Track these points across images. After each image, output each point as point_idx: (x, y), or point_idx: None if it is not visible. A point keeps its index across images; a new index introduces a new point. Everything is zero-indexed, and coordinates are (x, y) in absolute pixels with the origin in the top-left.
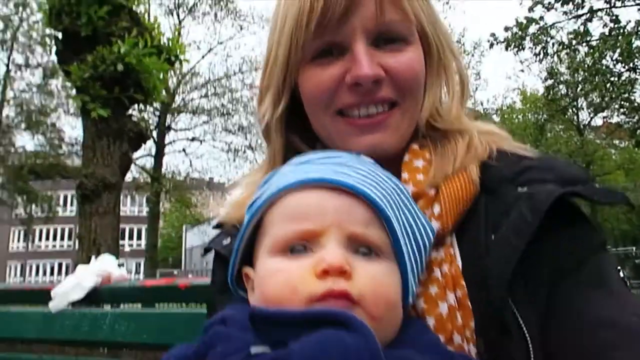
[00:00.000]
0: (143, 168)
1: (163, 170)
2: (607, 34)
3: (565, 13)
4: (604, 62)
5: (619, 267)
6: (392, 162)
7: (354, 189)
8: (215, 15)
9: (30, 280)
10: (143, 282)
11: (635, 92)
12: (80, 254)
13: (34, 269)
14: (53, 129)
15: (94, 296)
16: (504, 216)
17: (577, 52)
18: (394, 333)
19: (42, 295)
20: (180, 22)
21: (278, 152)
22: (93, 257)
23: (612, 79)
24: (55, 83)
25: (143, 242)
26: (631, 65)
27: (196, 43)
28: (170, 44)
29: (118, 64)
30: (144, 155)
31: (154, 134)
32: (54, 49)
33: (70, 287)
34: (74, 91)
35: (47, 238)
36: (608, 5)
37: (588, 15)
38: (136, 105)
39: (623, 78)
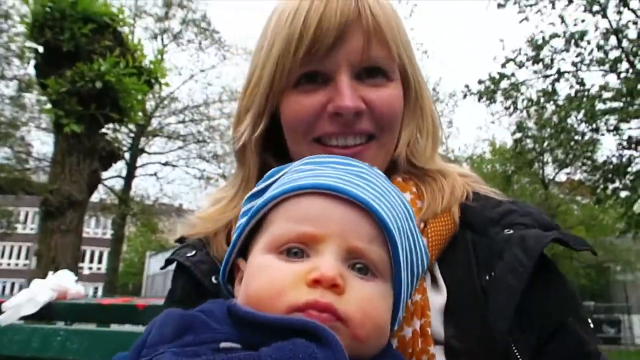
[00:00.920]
0: (111, 189)
1: (132, 192)
2: (573, 95)
3: (535, 72)
4: (569, 120)
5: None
6: None
7: (365, 203)
8: (200, 43)
9: None
10: (100, 300)
11: (596, 152)
12: (37, 271)
13: None
14: (22, 143)
15: (48, 312)
16: (496, 258)
17: (544, 109)
18: (373, 355)
19: None
20: (164, 47)
21: (253, 172)
22: (50, 273)
23: (576, 137)
24: (29, 97)
25: (103, 265)
26: (594, 126)
27: (178, 69)
28: (152, 66)
29: (97, 81)
30: (113, 176)
31: (127, 155)
32: (32, 62)
33: (23, 301)
34: (48, 105)
35: (3, 256)
36: (575, 69)
37: (556, 75)
38: (111, 124)
39: (586, 137)
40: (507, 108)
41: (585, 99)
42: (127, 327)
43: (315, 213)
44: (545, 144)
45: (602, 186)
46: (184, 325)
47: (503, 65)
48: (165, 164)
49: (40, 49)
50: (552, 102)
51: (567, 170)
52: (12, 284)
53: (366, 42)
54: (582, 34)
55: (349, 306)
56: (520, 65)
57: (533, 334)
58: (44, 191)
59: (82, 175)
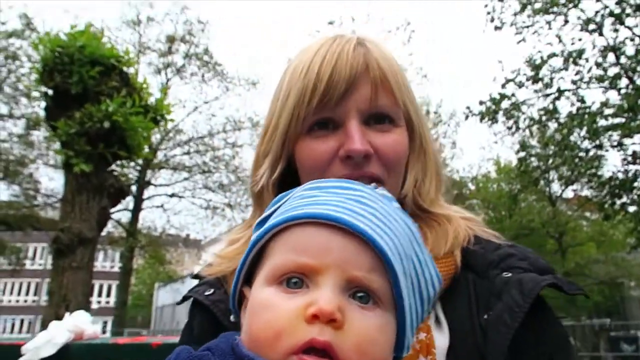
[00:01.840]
0: (119, 222)
1: (139, 225)
2: (574, 112)
3: (535, 91)
4: (572, 138)
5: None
6: None
7: (363, 233)
8: (203, 76)
9: None
10: (115, 339)
11: (602, 168)
12: (49, 309)
13: None
14: (30, 180)
15: (65, 353)
16: (495, 298)
17: (547, 128)
18: None
19: (13, 351)
20: (167, 81)
21: None
22: (67, 314)
23: (580, 154)
24: (37, 134)
25: (112, 299)
26: (597, 142)
27: (182, 101)
28: (157, 104)
29: (105, 121)
30: (120, 210)
31: (133, 188)
32: (42, 103)
33: (42, 343)
34: (57, 145)
35: (12, 292)
36: (575, 87)
37: (557, 94)
38: (118, 161)
39: (590, 154)
40: (509, 128)
41: (586, 116)
42: None
43: (313, 244)
44: (550, 161)
45: (609, 202)
46: None
47: (503, 86)
48: (172, 195)
49: (50, 92)
50: (553, 120)
51: (574, 187)
52: (22, 321)
53: (374, 91)
54: (580, 53)
55: (347, 342)
56: (520, 85)
57: None
58: (53, 227)
59: (92, 213)
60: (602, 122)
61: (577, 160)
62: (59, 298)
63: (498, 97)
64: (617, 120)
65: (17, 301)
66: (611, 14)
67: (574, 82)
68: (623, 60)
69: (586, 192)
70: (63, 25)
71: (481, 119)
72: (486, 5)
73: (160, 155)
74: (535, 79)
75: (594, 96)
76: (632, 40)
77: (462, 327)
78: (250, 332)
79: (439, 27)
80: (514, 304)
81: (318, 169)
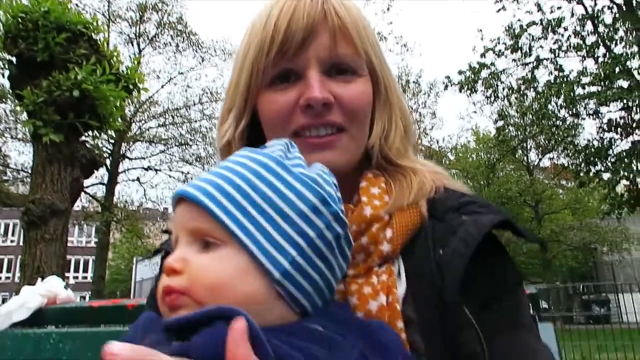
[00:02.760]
0: (93, 196)
1: (115, 199)
2: (552, 81)
3: (514, 60)
4: (549, 107)
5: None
6: (343, 182)
7: (185, 195)
8: (177, 46)
9: None
10: (91, 302)
11: (578, 136)
12: (22, 282)
13: None
14: None
15: (39, 317)
16: (450, 235)
17: (525, 97)
18: (252, 307)
19: None
20: (140, 52)
21: None
22: (39, 279)
23: (557, 123)
24: (3, 107)
25: (89, 274)
26: (574, 111)
27: (156, 72)
28: (129, 72)
29: (74, 90)
30: (95, 184)
31: (107, 161)
32: (6, 73)
33: (14, 307)
34: (24, 116)
35: None
36: (553, 55)
37: (535, 63)
38: (90, 132)
39: (567, 122)
40: (488, 97)
41: (564, 85)
42: (119, 328)
43: (174, 216)
44: (527, 131)
45: (584, 169)
46: (147, 328)
47: (482, 55)
48: (148, 168)
49: (14, 60)
50: (532, 89)
51: (550, 155)
52: None
53: (332, 39)
54: (559, 21)
55: (184, 280)
56: (499, 54)
57: (477, 299)
58: (24, 202)
59: (64, 184)
60: (579, 91)
61: (554, 129)
62: (32, 270)
63: (477, 66)
64: (594, 88)
65: None
66: None
67: (552, 51)
68: (601, 28)
69: (562, 161)
70: None
71: (460, 89)
72: None
73: (135, 127)
74: (515, 48)
75: (572, 65)
76: (610, 8)
77: (419, 268)
78: None
79: None
80: (469, 236)
81: (280, 121)
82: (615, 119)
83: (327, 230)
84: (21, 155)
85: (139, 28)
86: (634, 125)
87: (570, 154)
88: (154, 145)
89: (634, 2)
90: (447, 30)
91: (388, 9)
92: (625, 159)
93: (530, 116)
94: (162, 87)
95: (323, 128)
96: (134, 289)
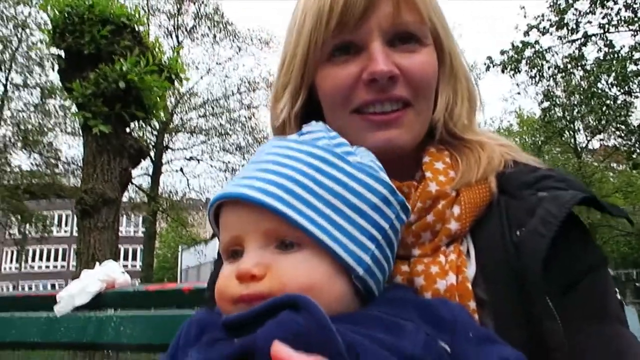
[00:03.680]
0: (140, 187)
1: (160, 189)
2: (601, 58)
3: (560, 37)
4: (599, 85)
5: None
6: (404, 160)
7: (247, 198)
8: (214, 36)
9: None
10: (147, 286)
11: (630, 116)
12: (78, 269)
13: (26, 290)
14: (49, 148)
15: (99, 301)
16: (528, 215)
17: (572, 76)
18: (339, 307)
19: (47, 301)
20: (179, 43)
21: None
22: (97, 264)
23: (607, 102)
24: (53, 103)
25: (138, 262)
26: (626, 88)
27: (194, 64)
28: (171, 63)
29: (120, 81)
30: (141, 175)
31: (152, 153)
32: (55, 67)
33: (75, 292)
34: (73, 109)
35: (41, 259)
36: (602, 31)
37: (582, 40)
38: (136, 123)
39: (619, 101)
40: (532, 77)
41: (615, 62)
42: (176, 311)
43: (230, 220)
44: (575, 111)
45: (638, 150)
46: (203, 326)
47: (526, 34)
48: (190, 159)
49: (62, 54)
50: (579, 68)
51: (600, 136)
52: (52, 285)
53: (396, 6)
54: None
55: (270, 285)
56: (544, 31)
57: (558, 284)
58: (77, 193)
59: (114, 174)
60: (631, 67)
61: (604, 108)
62: (87, 257)
63: (520, 45)
64: None
65: (47, 267)
66: None
67: (601, 26)
68: None
69: (613, 142)
70: None
71: (503, 69)
72: None
73: (176, 119)
74: (560, 25)
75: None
76: None
77: (493, 248)
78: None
79: None
80: (549, 215)
81: (340, 96)
82: None
83: (397, 220)
84: (71, 148)
85: (177, 20)
86: None
87: (622, 135)
88: (195, 136)
89: None
90: (488, 9)
91: None
92: None
93: (578, 96)
94: (201, 78)
95: (388, 103)
96: (180, 276)
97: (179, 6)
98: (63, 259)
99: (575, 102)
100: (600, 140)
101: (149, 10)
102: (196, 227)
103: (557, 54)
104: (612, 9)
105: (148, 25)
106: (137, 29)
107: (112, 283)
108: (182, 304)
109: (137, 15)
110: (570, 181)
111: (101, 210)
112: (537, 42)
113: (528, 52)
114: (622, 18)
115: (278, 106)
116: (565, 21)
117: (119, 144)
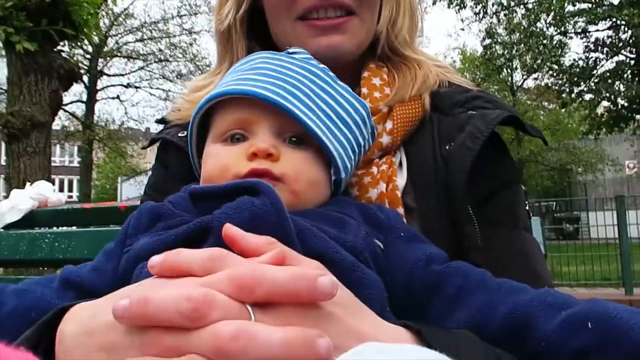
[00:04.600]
0: (73, 114)
1: (95, 118)
2: None
3: None
4: (538, 25)
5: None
6: (346, 72)
7: (269, 100)
8: None
9: None
10: (83, 204)
11: (564, 56)
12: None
13: None
14: None
15: (31, 220)
16: (458, 131)
17: (514, 14)
18: (317, 204)
19: None
20: None
21: (241, 56)
22: (28, 184)
23: (544, 41)
24: None
25: (75, 194)
26: (562, 29)
27: None
28: None
29: None
30: (74, 101)
31: (85, 78)
32: None
33: (5, 209)
34: None
35: None
36: None
37: None
38: (66, 42)
39: (554, 41)
40: (476, 13)
41: (555, 1)
42: (112, 227)
43: (236, 111)
44: (514, 49)
45: (568, 90)
46: (156, 215)
47: None
48: (128, 85)
49: None
50: (522, 6)
51: (535, 75)
52: None
53: None
54: None
55: (282, 168)
56: None
57: (479, 194)
58: (2, 116)
59: (43, 96)
60: (569, 8)
61: (541, 47)
62: (18, 183)
63: None
64: (584, 5)
65: None
66: None
67: None
68: None
69: (546, 82)
70: None
71: (449, 4)
72: None
73: (111, 42)
74: None
75: None
76: None
77: (423, 160)
78: (203, 176)
79: None
80: (476, 130)
81: (285, 3)
82: (602, 38)
83: (368, 143)
84: None
85: None
86: (620, 45)
87: (554, 74)
88: (132, 62)
89: None
90: None
91: None
92: (609, 80)
93: (519, 34)
94: None
95: (332, 9)
96: None
97: None
98: None
99: (515, 40)
100: (535, 79)
101: None
102: (136, 157)
103: None
104: None
105: None
106: None
107: (44, 202)
108: (119, 221)
109: None
110: (497, 102)
111: (30, 134)
112: None
113: None
114: None
115: (222, 11)
116: None
117: (46, 63)
